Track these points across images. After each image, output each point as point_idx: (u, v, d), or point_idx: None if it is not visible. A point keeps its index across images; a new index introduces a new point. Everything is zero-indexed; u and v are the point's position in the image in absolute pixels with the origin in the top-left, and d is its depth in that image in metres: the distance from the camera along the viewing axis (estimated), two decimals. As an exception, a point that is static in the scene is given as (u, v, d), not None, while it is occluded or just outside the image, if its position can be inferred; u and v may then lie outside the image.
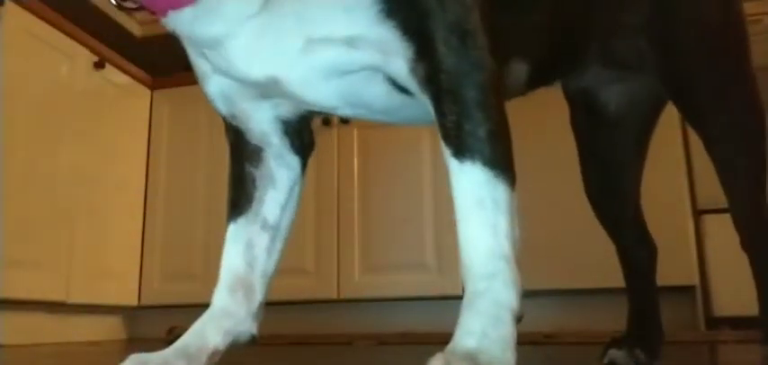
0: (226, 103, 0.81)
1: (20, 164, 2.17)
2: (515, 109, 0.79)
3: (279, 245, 0.86)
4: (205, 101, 0.82)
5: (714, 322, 2.18)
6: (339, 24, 0.66)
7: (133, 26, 3.04)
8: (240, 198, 0.85)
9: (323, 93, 0.74)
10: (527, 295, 0.62)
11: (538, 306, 2.24)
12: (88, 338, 2.52)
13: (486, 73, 0.66)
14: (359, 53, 0.68)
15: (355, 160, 2.65)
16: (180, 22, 0.68)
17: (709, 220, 2.26)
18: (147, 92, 2.93)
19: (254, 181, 0.85)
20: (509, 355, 0.56)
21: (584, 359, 1.44)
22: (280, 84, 0.72)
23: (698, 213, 2.29)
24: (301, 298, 2.53)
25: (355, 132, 2.67)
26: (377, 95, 0.75)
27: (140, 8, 0.68)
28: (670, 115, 1.21)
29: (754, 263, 1.01)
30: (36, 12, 2.29)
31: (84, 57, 2.51)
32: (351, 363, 1.53)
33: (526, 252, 0.64)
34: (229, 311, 0.80)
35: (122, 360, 0.70)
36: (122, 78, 2.73)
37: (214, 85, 0.79)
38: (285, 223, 0.86)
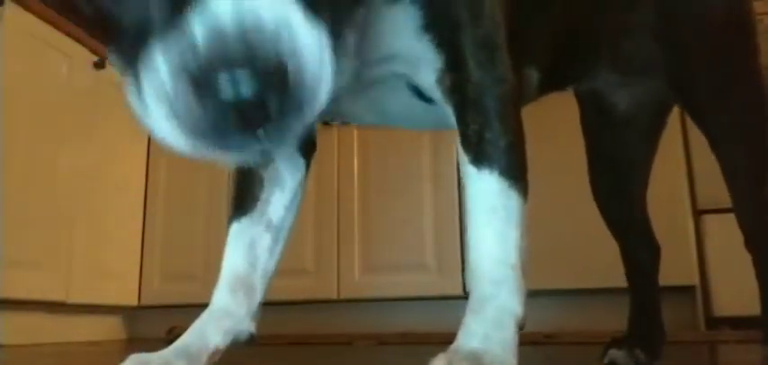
0: None
1: (20, 164, 2.17)
2: (517, 109, 0.80)
3: (280, 246, 0.86)
4: (205, 101, 0.82)
5: (714, 322, 2.18)
6: (388, 44, 0.68)
7: (133, 26, 3.04)
8: (245, 198, 0.85)
9: (354, 105, 0.75)
10: (528, 295, 0.63)
11: (538, 306, 2.23)
12: (88, 338, 2.52)
13: (508, 86, 0.69)
14: (392, 66, 0.70)
15: (355, 160, 2.65)
16: None
17: (709, 220, 2.26)
18: (147, 92, 2.92)
19: (261, 182, 0.85)
20: (511, 358, 0.57)
21: (584, 359, 1.44)
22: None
23: (698, 213, 2.29)
24: (301, 298, 2.52)
25: (355, 132, 2.67)
26: (399, 103, 0.77)
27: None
28: (670, 115, 1.21)
29: (758, 263, 1.01)
30: (36, 12, 2.29)
31: (84, 57, 2.51)
32: (351, 363, 1.53)
33: (527, 252, 0.65)
34: (229, 310, 0.80)
35: (122, 360, 0.70)
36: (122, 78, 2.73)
37: None
38: (288, 224, 0.87)
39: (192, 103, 0.43)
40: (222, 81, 0.41)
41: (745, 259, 1.02)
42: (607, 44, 1.04)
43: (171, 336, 0.81)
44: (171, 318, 2.60)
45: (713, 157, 1.04)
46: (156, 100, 0.44)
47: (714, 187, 1.05)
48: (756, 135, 1.01)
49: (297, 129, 0.45)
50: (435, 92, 0.70)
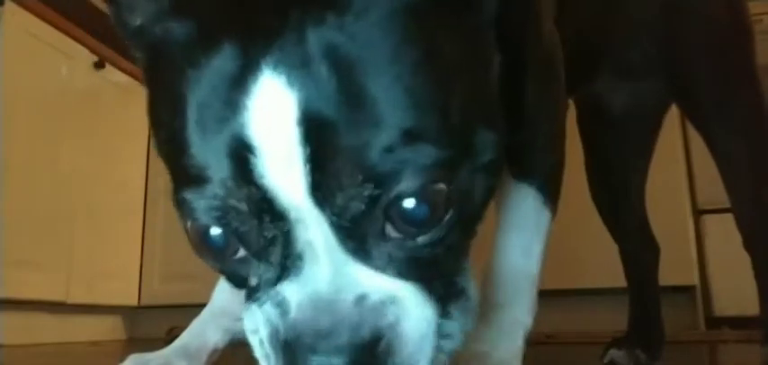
0: None
1: (20, 164, 2.17)
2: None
3: None
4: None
5: (714, 322, 2.18)
6: None
7: (133, 26, 3.04)
8: None
9: None
10: (528, 295, 0.63)
11: (538, 306, 2.23)
12: (88, 338, 2.52)
13: (562, 108, 0.71)
14: None
15: (355, 160, 2.65)
16: None
17: (709, 220, 2.26)
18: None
19: None
20: (516, 364, 0.59)
21: (584, 359, 1.44)
22: None
23: (698, 213, 2.29)
24: (301, 298, 2.53)
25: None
26: None
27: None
28: (670, 115, 1.21)
29: (756, 263, 1.01)
30: (36, 12, 2.29)
31: (84, 57, 2.51)
32: (351, 363, 1.53)
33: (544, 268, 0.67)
34: (229, 309, 0.80)
35: (122, 360, 0.70)
36: (122, 78, 2.73)
37: None
38: None
39: None
40: (307, 355, 0.41)
41: (745, 259, 1.02)
42: (612, 50, 1.04)
43: (171, 336, 0.81)
44: (171, 318, 2.60)
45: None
46: (259, 354, 0.46)
47: (714, 187, 1.05)
48: (756, 136, 1.01)
49: None
50: None
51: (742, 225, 1.01)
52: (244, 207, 0.41)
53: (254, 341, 0.46)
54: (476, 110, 0.43)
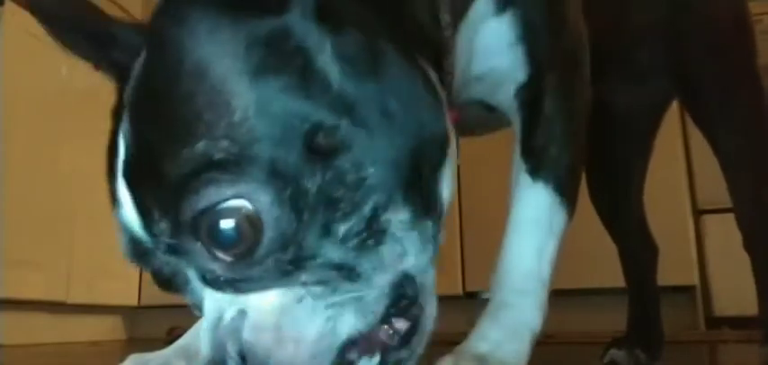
0: None
1: (20, 164, 2.17)
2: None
3: None
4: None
5: (714, 322, 2.18)
6: (486, 58, 0.66)
7: (133, 26, 3.04)
8: None
9: None
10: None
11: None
12: (88, 338, 2.52)
13: (583, 104, 0.69)
14: (481, 87, 0.68)
15: (355, 160, 2.65)
16: None
17: (709, 220, 2.26)
18: (147, 92, 2.91)
19: None
20: None
21: (584, 359, 1.44)
22: None
23: (698, 213, 2.29)
24: (301, 298, 2.52)
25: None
26: (471, 117, 0.75)
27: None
28: (670, 115, 1.21)
29: (756, 263, 1.01)
30: (36, 12, 2.29)
31: (84, 57, 2.51)
32: (351, 363, 1.53)
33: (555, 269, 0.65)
34: None
35: (122, 360, 0.70)
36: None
37: None
38: None
39: None
40: None
41: (746, 259, 1.02)
42: (620, 53, 1.04)
43: (171, 336, 0.81)
44: (171, 318, 2.60)
45: (713, 157, 1.04)
46: None
47: (714, 187, 1.05)
48: (756, 136, 1.01)
49: None
50: (510, 103, 0.69)
51: (742, 224, 1.01)
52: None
53: None
54: (271, 128, 0.41)
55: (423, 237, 0.46)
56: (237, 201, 0.40)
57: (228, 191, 0.40)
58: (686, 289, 2.23)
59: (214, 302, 0.45)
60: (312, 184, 0.41)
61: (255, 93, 0.40)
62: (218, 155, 0.40)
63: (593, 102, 1.16)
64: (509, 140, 0.71)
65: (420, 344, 0.48)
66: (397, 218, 0.44)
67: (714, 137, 1.03)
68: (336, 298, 0.43)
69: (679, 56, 1.02)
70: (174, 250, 0.43)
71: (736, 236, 1.02)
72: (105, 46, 0.50)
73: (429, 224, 0.47)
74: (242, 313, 0.44)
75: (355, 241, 0.43)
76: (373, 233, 0.44)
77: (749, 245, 1.01)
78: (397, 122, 0.44)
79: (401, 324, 0.47)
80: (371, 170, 0.42)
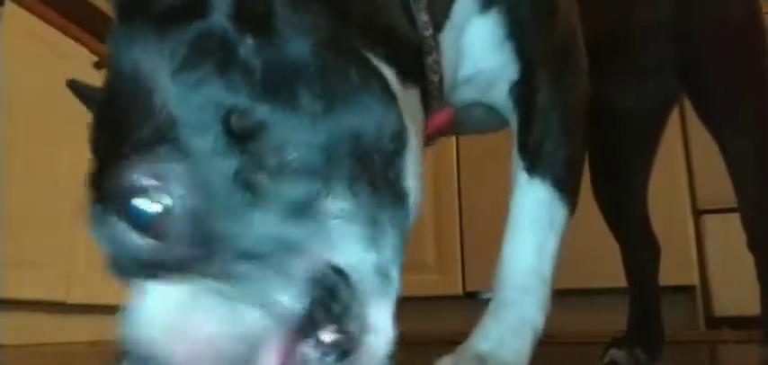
0: None
1: (20, 164, 2.17)
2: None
3: None
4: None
5: (714, 322, 2.18)
6: (474, 58, 0.66)
7: (133, 26, 3.03)
8: None
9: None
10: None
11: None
12: (88, 338, 2.52)
13: (579, 97, 0.68)
14: (472, 89, 0.68)
15: (355, 160, 2.65)
16: None
17: (709, 220, 2.26)
18: (147, 92, 2.91)
19: None
20: None
21: (584, 359, 1.44)
22: None
23: (698, 213, 2.29)
24: (301, 298, 2.53)
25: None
26: (475, 117, 0.75)
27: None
28: (670, 115, 1.21)
29: (760, 264, 1.01)
30: (36, 12, 2.29)
31: (84, 57, 2.51)
32: (351, 363, 1.53)
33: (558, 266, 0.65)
34: None
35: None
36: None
37: None
38: None
39: None
40: None
41: (746, 259, 1.02)
42: (624, 51, 1.04)
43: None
44: (171, 318, 2.60)
45: (713, 157, 1.04)
46: None
47: (714, 187, 1.05)
48: (762, 137, 1.01)
49: None
50: (506, 101, 0.69)
51: (747, 224, 1.01)
52: None
53: None
54: (188, 115, 0.42)
55: (369, 233, 0.43)
56: (150, 181, 0.42)
57: (144, 172, 0.42)
58: (686, 289, 2.23)
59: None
60: (228, 167, 0.41)
61: (176, 86, 0.43)
62: (141, 142, 0.42)
63: (598, 101, 1.16)
64: (509, 139, 0.71)
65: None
66: (337, 206, 0.42)
67: (720, 137, 1.02)
68: (245, 293, 0.41)
69: (686, 54, 1.02)
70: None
71: (737, 236, 1.02)
72: None
73: (384, 221, 0.44)
74: (138, 305, 0.46)
75: (274, 229, 0.41)
76: (298, 220, 0.42)
77: (753, 246, 1.01)
78: (327, 110, 0.44)
79: (329, 338, 0.43)
80: (295, 154, 0.42)
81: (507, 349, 0.57)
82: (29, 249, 2.19)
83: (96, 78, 0.56)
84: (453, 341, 0.58)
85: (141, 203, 0.42)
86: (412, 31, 0.57)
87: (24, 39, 2.24)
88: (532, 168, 0.65)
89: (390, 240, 0.44)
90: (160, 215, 0.42)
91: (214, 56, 0.43)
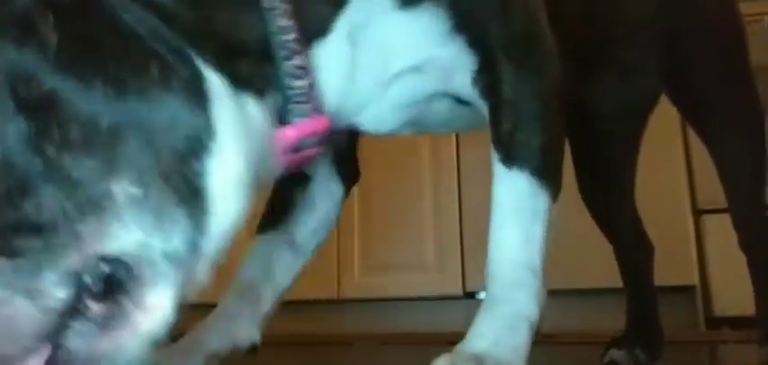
0: None
1: (20, 164, 2.17)
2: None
3: (299, 264, 0.86)
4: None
5: (714, 322, 2.18)
6: (412, 52, 0.65)
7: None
8: (274, 215, 0.86)
9: (390, 125, 0.72)
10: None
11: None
12: (88, 338, 2.52)
13: (548, 82, 0.66)
14: (427, 78, 0.67)
15: (355, 160, 2.65)
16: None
17: (709, 220, 2.26)
18: (147, 92, 2.91)
19: (293, 202, 0.85)
20: (519, 364, 0.56)
21: (584, 359, 1.44)
22: (353, 126, 0.70)
23: (698, 213, 2.29)
24: (301, 298, 2.52)
25: (355, 132, 2.66)
26: (440, 112, 0.74)
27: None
28: (670, 115, 1.21)
29: (752, 263, 1.01)
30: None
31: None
32: (351, 363, 1.53)
33: (550, 256, 0.64)
34: (233, 316, 0.80)
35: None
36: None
37: None
38: (312, 246, 0.87)
39: None
40: None
41: (746, 259, 1.02)
42: (608, 51, 1.04)
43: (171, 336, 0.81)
44: (171, 318, 2.60)
45: (713, 157, 1.04)
46: None
47: (714, 187, 1.05)
48: (752, 135, 1.01)
49: None
50: (472, 94, 0.68)
51: (738, 225, 1.02)
52: None
53: None
54: None
55: (154, 221, 0.44)
56: None
57: None
58: (686, 289, 2.23)
59: None
60: (15, 132, 0.42)
61: None
62: None
63: (581, 100, 1.17)
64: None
65: (123, 338, 0.43)
66: (122, 191, 0.43)
67: (708, 138, 1.03)
68: (17, 273, 0.40)
69: (671, 56, 1.02)
70: None
71: (736, 236, 1.02)
72: None
73: (174, 213, 0.45)
74: None
75: (56, 204, 0.42)
76: (81, 199, 0.42)
77: (746, 246, 1.01)
78: (118, 95, 0.45)
79: (97, 309, 0.43)
80: (82, 131, 0.43)
81: (504, 346, 0.56)
82: (29, 249, 2.18)
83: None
84: (453, 341, 0.58)
85: None
86: (260, 38, 0.56)
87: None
88: (508, 159, 0.64)
89: (181, 233, 0.45)
90: None
91: (14, 27, 0.45)
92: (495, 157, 0.65)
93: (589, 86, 1.12)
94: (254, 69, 0.56)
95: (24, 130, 0.42)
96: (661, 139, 1.22)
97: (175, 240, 0.45)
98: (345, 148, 0.85)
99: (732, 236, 1.03)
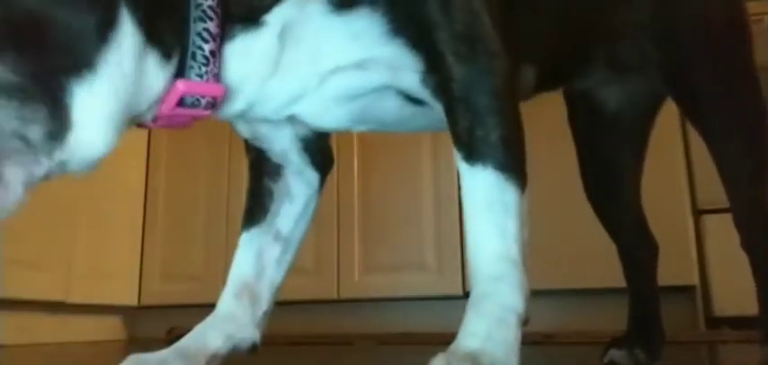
0: (247, 128, 0.82)
1: (20, 164, 2.17)
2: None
3: (289, 257, 0.87)
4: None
5: (714, 322, 2.18)
6: (348, 52, 0.66)
7: (133, 26, 3.04)
8: (256, 209, 0.86)
9: (336, 119, 0.74)
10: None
11: (538, 306, 2.22)
12: (88, 338, 2.52)
13: (498, 78, 0.66)
14: (370, 74, 0.68)
15: (355, 160, 2.65)
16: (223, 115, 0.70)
17: (709, 220, 2.26)
18: (147, 92, 2.91)
19: (271, 194, 0.86)
20: (512, 358, 0.56)
21: (584, 359, 1.44)
22: (296, 118, 0.72)
23: (698, 213, 2.29)
24: (301, 298, 2.53)
25: (355, 133, 2.66)
26: (389, 110, 0.75)
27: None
28: (670, 115, 1.21)
29: (754, 263, 1.01)
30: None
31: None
32: (351, 363, 1.53)
33: (528, 245, 0.64)
34: (233, 316, 0.80)
35: (122, 359, 0.70)
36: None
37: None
38: (297, 235, 0.87)
39: None
40: None
41: (746, 259, 1.02)
42: (604, 43, 1.04)
43: (171, 337, 0.81)
44: (171, 318, 2.60)
45: (713, 157, 1.04)
46: None
47: (714, 187, 1.04)
48: (754, 135, 1.01)
49: None
50: (423, 93, 0.69)
51: (739, 225, 1.01)
52: None
53: None
54: None
55: (20, 108, 0.52)
56: None
57: None
58: (686, 289, 2.23)
59: None
60: None
61: None
62: None
63: (587, 100, 1.17)
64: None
65: None
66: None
67: (709, 138, 1.02)
68: None
69: (670, 55, 1.02)
70: None
71: (737, 236, 1.02)
72: None
73: (39, 112, 0.53)
74: None
75: None
76: None
77: (747, 246, 1.01)
78: None
79: None
80: None
81: (496, 341, 0.56)
82: (28, 249, 2.19)
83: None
84: (453, 341, 0.58)
85: None
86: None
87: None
88: (470, 157, 0.64)
89: (39, 126, 0.53)
90: None
91: None
92: (458, 157, 0.65)
93: (591, 84, 1.13)
94: (169, 27, 0.60)
95: None
96: (661, 139, 1.22)
97: (32, 133, 0.53)
98: (315, 137, 0.85)
99: (732, 236, 1.03)
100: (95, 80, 0.54)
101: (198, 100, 0.62)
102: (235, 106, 0.67)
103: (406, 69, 0.67)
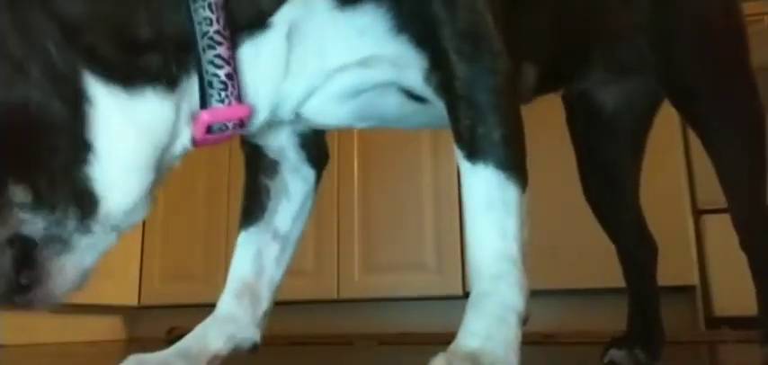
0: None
1: (20, 164, 2.17)
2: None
3: (288, 255, 0.87)
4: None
5: (714, 322, 2.18)
6: (354, 48, 0.67)
7: (133, 26, 3.03)
8: (253, 207, 0.86)
9: (338, 116, 0.74)
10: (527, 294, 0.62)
11: (538, 306, 2.21)
12: (88, 338, 2.52)
13: (500, 77, 0.67)
14: (374, 71, 0.69)
15: (355, 160, 2.65)
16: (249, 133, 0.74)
17: (709, 220, 2.26)
18: (147, 92, 2.91)
19: (268, 192, 0.86)
20: (512, 357, 0.56)
21: (584, 359, 1.44)
22: (300, 116, 0.72)
23: (698, 213, 2.29)
24: (301, 298, 2.53)
25: (355, 132, 2.66)
26: (391, 106, 0.75)
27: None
28: (670, 115, 1.21)
29: (753, 264, 1.01)
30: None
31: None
32: (351, 363, 1.53)
33: (528, 245, 0.64)
34: (234, 316, 0.80)
35: (122, 359, 0.70)
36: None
37: None
38: (295, 234, 0.87)
39: None
40: None
41: (746, 259, 1.02)
42: (603, 43, 1.04)
43: (171, 337, 0.81)
44: (171, 318, 2.60)
45: (713, 157, 1.04)
46: None
47: (714, 187, 1.04)
48: (752, 136, 1.01)
49: None
50: (426, 91, 0.69)
51: (738, 226, 1.01)
52: None
53: None
54: None
55: (51, 217, 0.57)
56: None
57: None
58: (686, 289, 2.23)
59: None
60: None
61: None
62: None
63: (585, 102, 1.17)
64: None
65: (40, 297, 0.61)
66: (21, 194, 0.56)
67: (707, 139, 1.02)
68: None
69: (667, 57, 1.02)
70: None
71: (737, 236, 1.02)
72: None
73: (69, 211, 0.57)
74: None
75: None
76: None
77: (747, 247, 1.01)
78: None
79: (24, 280, 0.59)
80: None
81: (496, 340, 0.56)
82: (29, 249, 2.18)
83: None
84: (453, 341, 0.58)
85: None
86: (177, 30, 0.61)
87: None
88: (472, 155, 0.64)
89: (74, 221, 0.58)
90: None
91: None
92: (459, 155, 0.66)
93: (589, 85, 1.13)
94: (165, 60, 0.60)
95: None
96: (661, 139, 1.22)
97: (69, 226, 0.58)
98: (312, 133, 0.85)
99: (732, 236, 1.03)
100: (97, 154, 0.57)
101: (225, 125, 0.64)
102: (260, 117, 0.67)
103: (409, 66, 0.68)
